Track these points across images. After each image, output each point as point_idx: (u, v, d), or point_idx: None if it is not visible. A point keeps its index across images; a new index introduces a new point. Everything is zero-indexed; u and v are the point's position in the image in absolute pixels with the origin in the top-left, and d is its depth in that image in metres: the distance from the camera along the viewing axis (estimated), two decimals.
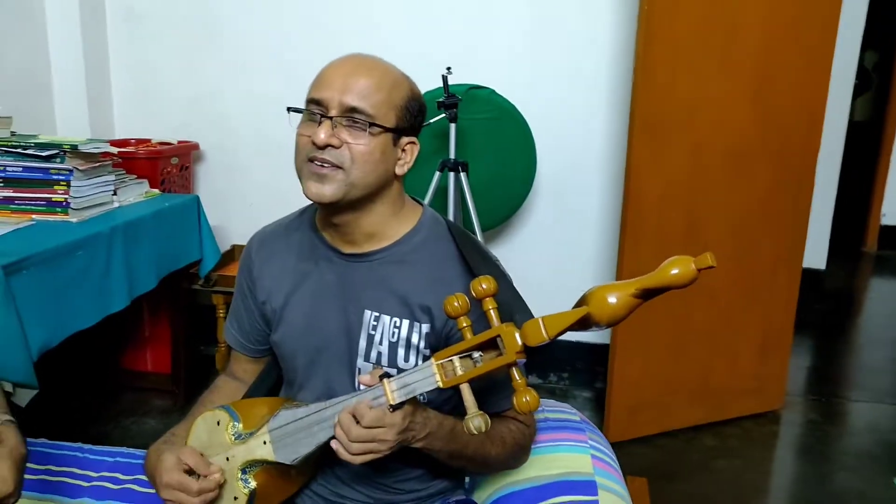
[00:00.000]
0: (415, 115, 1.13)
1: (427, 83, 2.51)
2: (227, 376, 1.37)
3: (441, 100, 2.21)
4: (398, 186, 1.17)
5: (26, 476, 1.41)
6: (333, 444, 1.00)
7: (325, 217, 1.18)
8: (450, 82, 2.27)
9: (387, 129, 1.08)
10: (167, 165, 2.80)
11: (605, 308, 0.83)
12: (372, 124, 1.07)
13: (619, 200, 2.78)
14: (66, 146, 2.12)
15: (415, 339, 1.14)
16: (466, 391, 0.91)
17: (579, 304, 0.87)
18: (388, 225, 1.16)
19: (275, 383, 1.34)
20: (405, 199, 1.20)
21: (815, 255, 3.89)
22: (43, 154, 2.10)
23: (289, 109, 1.15)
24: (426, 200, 2.31)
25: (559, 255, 2.92)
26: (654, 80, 2.27)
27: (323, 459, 1.18)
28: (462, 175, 2.26)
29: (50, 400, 2.54)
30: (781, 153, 2.51)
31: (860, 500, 2.24)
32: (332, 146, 1.06)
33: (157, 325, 2.84)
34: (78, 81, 2.92)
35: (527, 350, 0.89)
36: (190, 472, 1.10)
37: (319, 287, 1.19)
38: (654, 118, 2.30)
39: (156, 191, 2.58)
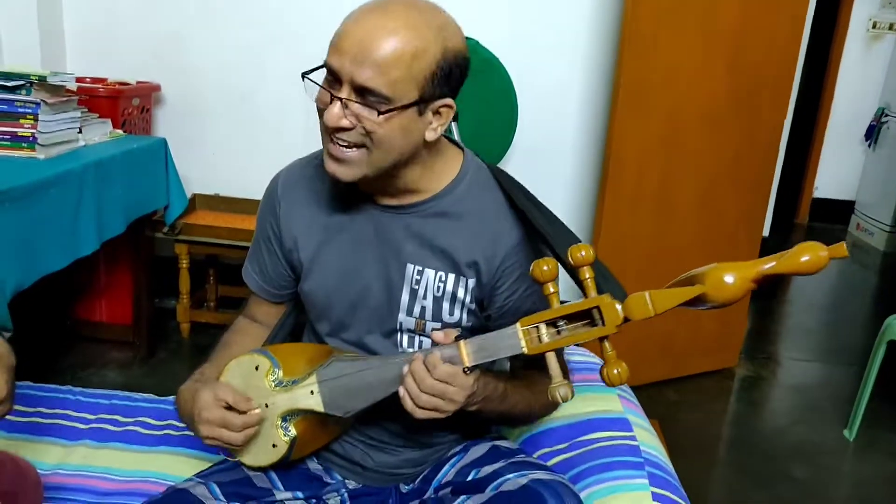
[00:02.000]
0: (448, 75, 0.99)
1: None
2: (246, 318, 1.30)
3: None
4: (431, 149, 1.05)
5: (14, 418, 1.35)
6: (401, 390, 0.98)
7: None
8: None
9: (406, 107, 0.96)
10: (128, 106, 2.66)
11: (724, 289, 0.80)
12: (387, 105, 0.95)
13: (595, 159, 2.83)
14: (34, 77, 1.98)
15: (461, 293, 1.10)
16: (552, 359, 0.89)
17: (688, 281, 0.84)
18: (426, 179, 1.08)
19: (297, 324, 1.29)
20: (442, 149, 1.09)
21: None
22: (8, 84, 1.96)
23: (304, 76, 1.00)
24: None
25: None
26: (639, 43, 2.30)
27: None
28: (453, 124, 2.23)
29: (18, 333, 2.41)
30: (752, 119, 2.58)
31: (817, 450, 2.37)
32: (345, 128, 0.97)
33: (114, 273, 2.72)
34: (28, 15, 2.72)
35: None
36: (228, 409, 1.05)
37: (356, 238, 1.12)
38: (637, 81, 2.33)
39: (120, 132, 2.46)
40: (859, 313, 3.92)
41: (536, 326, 0.89)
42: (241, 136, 3.01)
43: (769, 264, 0.79)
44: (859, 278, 4.57)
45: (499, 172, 1.13)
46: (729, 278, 0.79)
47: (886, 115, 4.93)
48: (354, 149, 0.99)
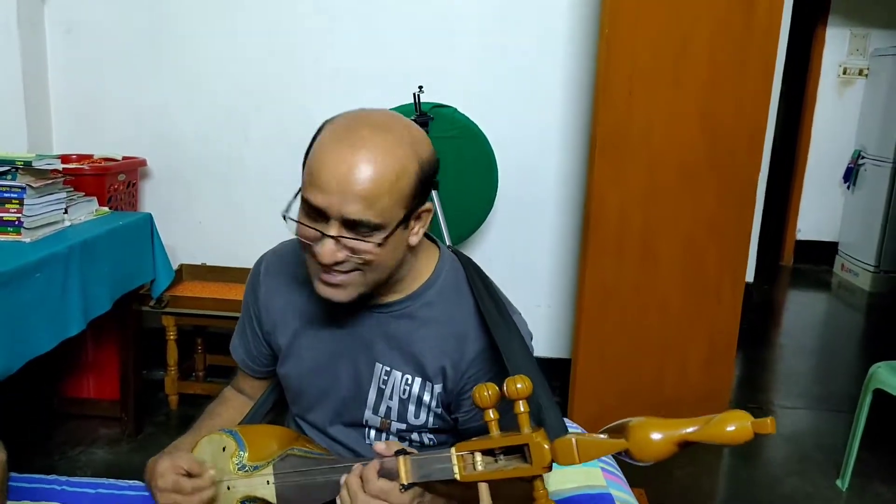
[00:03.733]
0: (426, 183, 1.00)
1: (394, 100, 2.54)
2: (234, 389, 1.33)
3: (413, 118, 2.22)
4: (413, 249, 1.07)
5: None
6: (337, 500, 0.97)
7: None
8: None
9: (396, 227, 0.97)
10: (114, 182, 2.69)
11: (648, 448, 0.77)
12: (382, 237, 0.96)
13: (576, 215, 2.88)
14: (19, 162, 2.01)
15: (426, 398, 1.10)
16: (484, 490, 0.87)
17: (616, 430, 0.82)
18: (403, 281, 1.09)
19: (279, 398, 1.31)
20: (420, 250, 1.10)
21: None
22: None
23: (284, 217, 1.00)
24: None
25: (519, 269, 2.97)
26: (613, 99, 2.37)
27: None
28: (434, 194, 2.27)
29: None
30: (727, 169, 2.63)
31: (810, 501, 2.36)
32: (339, 261, 0.98)
33: (102, 348, 2.72)
34: (15, 94, 2.78)
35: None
36: (187, 476, 1.09)
37: (331, 330, 1.14)
38: (614, 135, 2.40)
39: (105, 209, 2.48)
40: (847, 356, 3.94)
41: (472, 453, 0.88)
42: (227, 204, 3.04)
43: (691, 428, 0.77)
44: (846, 319, 4.61)
45: (472, 274, 1.12)
46: (655, 436, 0.77)
47: (863, 157, 5.03)
48: (347, 274, 1.00)
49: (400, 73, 2.76)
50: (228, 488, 1.09)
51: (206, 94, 2.96)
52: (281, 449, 1.10)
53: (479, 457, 0.88)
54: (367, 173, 0.93)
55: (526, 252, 2.96)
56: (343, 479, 0.97)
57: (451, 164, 2.52)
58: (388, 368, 1.10)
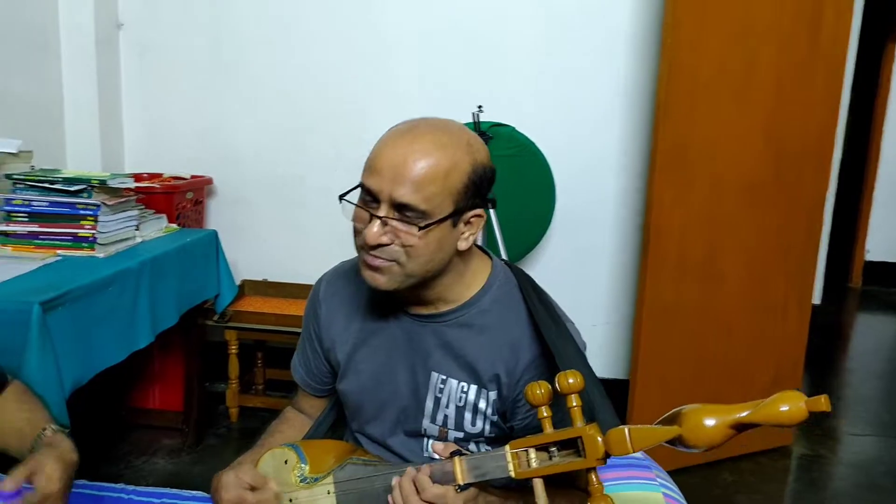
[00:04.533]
0: (478, 187, 1.05)
1: (454, 118, 2.56)
2: (294, 409, 1.37)
3: None
4: (464, 258, 1.11)
5: None
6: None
7: None
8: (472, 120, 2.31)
9: (443, 220, 1.01)
10: (182, 200, 2.79)
11: (701, 434, 0.77)
12: (426, 223, 1.00)
13: (635, 233, 2.84)
14: (94, 181, 2.10)
15: (482, 405, 1.12)
16: (539, 486, 0.88)
17: (669, 419, 0.82)
18: (455, 289, 1.12)
19: (338, 416, 1.34)
20: (472, 259, 1.14)
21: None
22: (71, 189, 2.08)
23: (340, 198, 1.06)
24: None
25: (576, 287, 2.94)
26: (675, 116, 2.33)
27: None
28: (491, 211, 2.28)
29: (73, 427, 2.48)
30: (794, 188, 2.57)
31: None
32: (383, 245, 1.02)
33: (167, 361, 2.80)
34: (91, 115, 2.90)
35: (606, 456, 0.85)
36: (251, 490, 1.12)
37: (388, 343, 1.17)
38: (675, 153, 2.36)
39: (174, 226, 2.56)
40: None
41: (526, 450, 0.89)
42: (288, 222, 3.11)
43: (745, 412, 0.76)
44: None
45: (525, 284, 1.15)
46: (708, 422, 0.77)
47: None
48: (388, 261, 1.03)
49: (457, 94, 2.79)
50: (290, 501, 1.12)
51: (267, 116, 3.04)
52: (340, 461, 1.12)
53: (533, 453, 0.89)
54: (421, 161, 0.99)
55: (584, 270, 2.94)
56: (395, 480, 0.99)
57: (510, 183, 2.52)
58: (444, 377, 1.13)
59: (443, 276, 1.09)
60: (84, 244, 2.10)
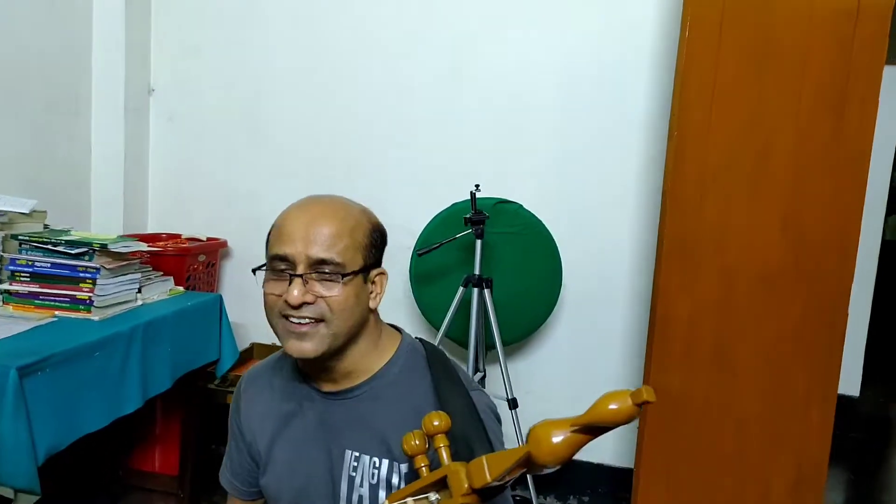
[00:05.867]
0: (378, 246, 1.14)
1: (456, 195, 2.55)
2: None
3: (468, 216, 2.21)
4: (374, 318, 1.16)
5: None
6: None
7: (305, 362, 1.15)
8: (478, 196, 2.28)
9: (357, 272, 1.08)
10: (194, 262, 2.82)
11: (543, 446, 0.76)
12: (343, 272, 1.06)
13: (644, 319, 2.74)
14: (96, 244, 2.14)
15: (395, 479, 1.10)
16: None
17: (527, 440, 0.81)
18: (366, 360, 1.14)
19: None
20: (382, 329, 1.18)
21: (848, 381, 3.76)
22: (72, 252, 2.12)
23: (253, 271, 1.14)
24: (448, 315, 2.28)
25: (582, 370, 2.85)
26: (683, 203, 2.26)
27: None
28: (486, 292, 2.23)
29: (52, 492, 2.48)
30: (815, 278, 2.44)
31: None
32: (308, 303, 1.05)
33: (169, 423, 2.79)
34: (116, 177, 3.00)
35: (481, 492, 0.81)
36: None
37: (302, 428, 1.18)
38: (683, 241, 2.28)
39: (180, 288, 2.59)
40: None
41: (405, 502, 0.85)
42: None
43: (581, 415, 0.75)
44: None
45: (432, 355, 1.17)
46: (553, 436, 0.75)
47: None
48: (314, 323, 1.06)
49: (466, 168, 2.77)
50: None
51: (290, 181, 3.09)
52: None
53: (411, 502, 0.85)
54: (328, 221, 1.08)
55: (589, 353, 2.84)
56: None
57: (515, 260, 2.48)
58: (357, 454, 1.11)
59: (358, 342, 1.12)
60: (81, 306, 2.13)
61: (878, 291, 3.99)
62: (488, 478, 0.79)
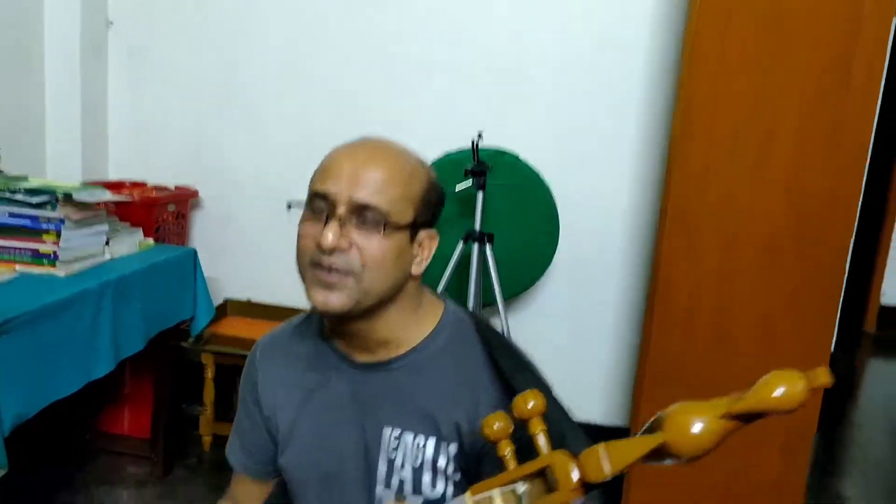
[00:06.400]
0: (434, 205, 1.00)
1: (453, 143, 2.40)
2: (227, 501, 1.19)
3: (469, 167, 2.08)
4: (415, 285, 1.01)
5: None
6: None
7: (333, 325, 1.02)
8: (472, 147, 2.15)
9: (403, 227, 0.94)
10: (163, 213, 2.63)
11: (685, 436, 0.64)
12: (386, 223, 0.92)
13: (641, 278, 2.67)
14: (60, 192, 1.94)
15: (441, 462, 0.97)
16: None
17: (652, 427, 0.69)
18: (406, 329, 1.01)
19: None
20: (423, 297, 1.04)
21: None
22: (32, 201, 1.92)
23: (289, 205, 0.99)
24: (447, 272, 2.16)
25: (574, 331, 2.77)
26: (688, 172, 2.20)
27: None
28: (487, 247, 2.11)
29: (17, 461, 2.31)
30: (814, 247, 2.41)
31: None
32: (341, 249, 0.92)
33: (139, 383, 2.63)
34: (73, 119, 2.76)
35: (585, 486, 0.69)
36: None
37: (331, 402, 1.03)
38: (687, 209, 2.23)
39: (150, 241, 2.40)
40: None
41: (490, 496, 0.73)
42: (278, 242, 2.92)
43: (737, 401, 0.63)
44: None
45: (480, 324, 1.04)
46: (695, 424, 0.63)
47: None
48: (343, 275, 0.92)
49: (462, 118, 2.62)
50: None
51: (264, 130, 2.89)
52: None
53: (497, 497, 0.72)
54: (382, 164, 0.94)
55: (584, 314, 2.76)
56: None
57: (511, 213, 2.36)
58: (398, 432, 0.98)
59: (395, 307, 0.98)
60: (45, 260, 1.94)
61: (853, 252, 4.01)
62: (606, 471, 0.67)
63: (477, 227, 2.14)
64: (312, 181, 0.97)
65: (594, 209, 2.67)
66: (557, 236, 2.44)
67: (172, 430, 2.57)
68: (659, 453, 0.65)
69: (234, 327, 2.73)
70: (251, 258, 2.96)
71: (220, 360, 2.65)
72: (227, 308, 2.89)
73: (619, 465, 0.66)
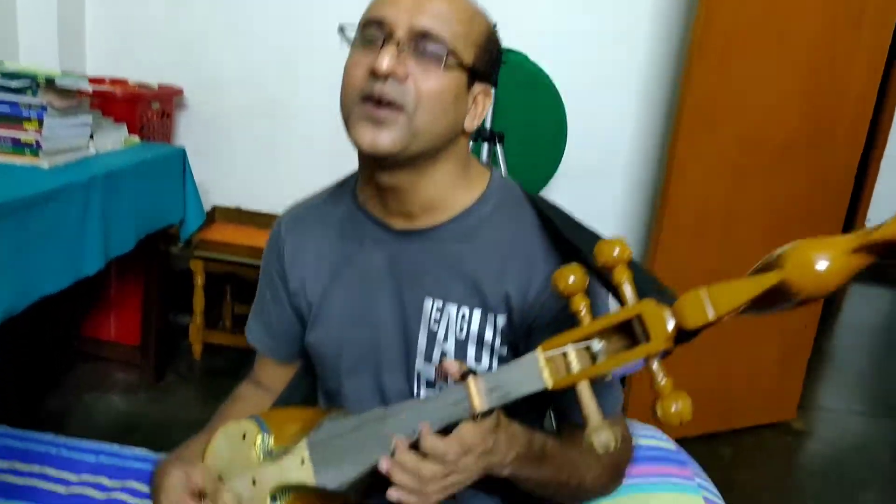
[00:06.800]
0: (493, 58, 0.92)
1: None
2: (250, 384, 1.12)
3: None
4: (465, 143, 0.94)
5: None
6: (394, 494, 0.76)
7: (373, 181, 0.91)
8: None
9: (464, 68, 0.85)
10: (147, 110, 2.48)
11: (811, 272, 0.58)
12: (448, 56, 0.83)
13: (650, 185, 2.61)
14: (41, 78, 1.80)
15: (488, 335, 0.91)
16: (586, 394, 0.67)
17: (761, 270, 0.62)
18: (452, 192, 0.92)
19: (309, 392, 1.10)
20: (471, 161, 0.96)
21: None
22: (12, 85, 1.77)
23: (340, 28, 0.88)
24: None
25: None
26: (707, 67, 2.10)
27: (377, 481, 0.94)
28: (498, 147, 2.02)
29: (2, 364, 2.23)
30: (825, 154, 2.37)
31: None
32: (396, 77, 0.82)
33: (126, 288, 2.54)
34: (48, 10, 2.56)
35: (677, 337, 0.64)
36: (202, 494, 0.87)
37: (366, 272, 0.95)
38: (704, 106, 2.14)
39: (135, 138, 2.27)
40: None
41: (564, 353, 0.68)
42: (267, 147, 2.82)
43: (870, 233, 0.56)
44: None
45: (532, 194, 0.97)
46: (817, 258, 0.57)
47: None
48: (394, 110, 0.83)
49: None
50: (254, 482, 0.87)
51: (254, 32, 2.73)
52: (312, 425, 0.87)
53: (573, 353, 0.68)
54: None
55: (590, 221, 2.70)
56: (385, 466, 0.76)
57: (518, 113, 2.26)
58: (441, 303, 0.91)
59: (443, 164, 0.90)
60: (27, 150, 1.81)
61: None
62: (710, 316, 0.60)
63: (487, 125, 2.03)
64: (367, 10, 0.87)
65: (604, 110, 2.59)
66: (565, 140, 2.35)
67: (164, 337, 2.50)
68: (773, 295, 0.59)
69: (222, 235, 2.63)
70: (240, 163, 2.84)
71: (210, 266, 2.56)
72: (216, 215, 2.78)
73: (726, 307, 0.60)
